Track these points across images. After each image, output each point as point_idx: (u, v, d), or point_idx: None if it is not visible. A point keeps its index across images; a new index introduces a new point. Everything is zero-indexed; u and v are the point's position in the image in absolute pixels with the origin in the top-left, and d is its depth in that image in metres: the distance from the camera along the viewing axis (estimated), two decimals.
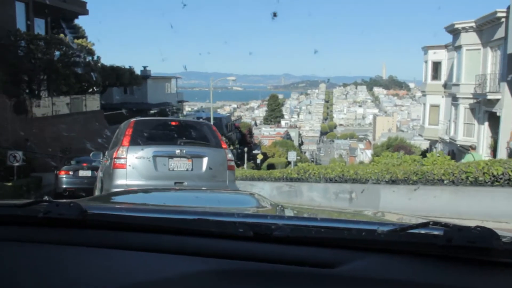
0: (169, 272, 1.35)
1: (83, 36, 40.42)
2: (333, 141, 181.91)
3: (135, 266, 1.40)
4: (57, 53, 25.49)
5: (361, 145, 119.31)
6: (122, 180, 7.13)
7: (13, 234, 1.59)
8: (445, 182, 9.66)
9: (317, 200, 12.42)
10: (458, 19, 28.38)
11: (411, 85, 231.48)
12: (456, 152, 30.09)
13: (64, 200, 1.75)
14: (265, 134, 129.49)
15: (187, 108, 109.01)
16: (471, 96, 27.47)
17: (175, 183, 7.27)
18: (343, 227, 1.60)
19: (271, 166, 62.00)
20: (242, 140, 68.43)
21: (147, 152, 7.32)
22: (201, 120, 9.76)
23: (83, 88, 27.35)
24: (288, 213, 2.38)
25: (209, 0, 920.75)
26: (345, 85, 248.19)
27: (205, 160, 7.54)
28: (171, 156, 7.38)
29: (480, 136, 27.44)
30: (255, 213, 2.34)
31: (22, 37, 22.96)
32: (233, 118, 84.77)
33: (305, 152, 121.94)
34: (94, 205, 2.23)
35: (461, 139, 28.72)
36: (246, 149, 53.94)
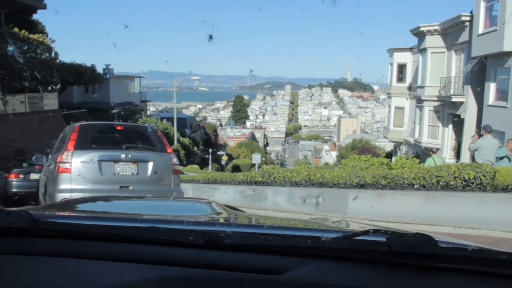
0: (122, 280, 1.36)
1: (42, 32, 38.95)
2: (298, 142, 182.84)
3: (87, 274, 1.41)
4: (10, 48, 24.25)
5: (326, 147, 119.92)
6: (66, 184, 7.11)
7: None
8: (416, 186, 9.29)
9: (282, 205, 11.88)
10: (423, 22, 28.28)
11: (375, 87, 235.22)
12: (421, 154, 30.12)
13: (15, 209, 1.76)
14: (230, 135, 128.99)
15: (151, 108, 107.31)
16: (435, 98, 27.53)
17: (121, 187, 7.32)
18: (290, 234, 1.68)
19: (236, 168, 61.49)
20: (207, 141, 67.71)
21: (92, 156, 7.30)
22: (146, 124, 9.75)
23: (39, 86, 26.05)
24: (241, 220, 2.43)
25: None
26: (310, 86, 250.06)
27: (150, 165, 7.59)
28: (116, 160, 7.39)
29: (444, 138, 27.56)
30: (206, 220, 2.36)
31: None
32: (198, 119, 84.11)
33: (270, 153, 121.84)
34: (45, 213, 2.20)
35: (426, 141, 28.78)
36: (211, 150, 53.22)
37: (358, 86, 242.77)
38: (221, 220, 2.43)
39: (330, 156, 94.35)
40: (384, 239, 1.41)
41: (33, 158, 9.15)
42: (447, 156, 27.05)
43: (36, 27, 32.82)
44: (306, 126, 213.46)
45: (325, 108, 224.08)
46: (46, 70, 25.06)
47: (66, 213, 2.49)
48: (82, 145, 7.39)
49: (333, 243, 1.48)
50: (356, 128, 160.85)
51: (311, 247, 1.49)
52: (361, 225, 2.54)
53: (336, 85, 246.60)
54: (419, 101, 29.83)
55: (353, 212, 10.14)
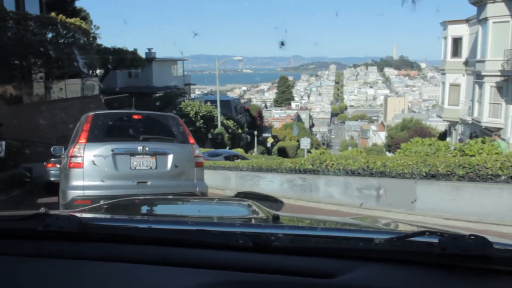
0: (172, 285, 1.38)
1: (85, 18, 38.31)
2: (344, 123, 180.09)
3: (136, 279, 1.41)
4: (50, 34, 23.42)
5: (373, 127, 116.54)
6: (78, 181, 6.56)
7: (12, 248, 1.57)
8: (503, 178, 7.52)
9: (336, 197, 10.33)
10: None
11: (423, 65, 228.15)
12: (480, 134, 27.74)
13: (64, 213, 1.96)
14: (276, 117, 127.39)
15: (197, 92, 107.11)
16: (498, 73, 25.04)
17: (138, 182, 6.73)
18: (342, 236, 1.63)
19: (282, 150, 60.15)
20: (252, 123, 66.43)
21: (106, 149, 6.67)
22: (166, 113, 8.70)
23: (78, 71, 25.18)
24: (286, 222, 2.40)
25: None
26: (355, 66, 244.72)
27: (170, 157, 6.96)
28: (133, 153, 6.78)
29: (508, 117, 25.09)
30: (254, 223, 2.29)
31: (9, 17, 20.86)
32: (242, 101, 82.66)
33: (316, 135, 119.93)
34: (93, 216, 2.26)
35: (486, 120, 26.37)
36: (256, 132, 51.89)
37: (404, 64, 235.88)
38: (270, 222, 2.32)
39: (378, 137, 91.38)
40: (437, 241, 1.39)
41: (52, 149, 8.21)
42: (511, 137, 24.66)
43: (78, 15, 32.01)
44: (351, 106, 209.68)
45: (371, 87, 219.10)
46: (84, 54, 24.10)
47: (114, 216, 2.43)
48: (96, 137, 6.75)
49: (386, 245, 1.44)
50: (404, 108, 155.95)
51: (364, 249, 1.46)
52: (413, 227, 2.32)
53: (381, 64, 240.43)
54: (479, 76, 27.30)
55: (422, 207, 8.49)
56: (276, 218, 2.33)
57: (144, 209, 3.09)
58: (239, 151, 35.45)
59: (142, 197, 4.49)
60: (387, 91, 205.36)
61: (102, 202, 5.89)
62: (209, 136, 38.71)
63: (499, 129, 25.52)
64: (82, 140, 6.66)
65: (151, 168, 6.84)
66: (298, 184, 11.38)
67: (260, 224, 2.17)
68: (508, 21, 25.16)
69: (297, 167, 11.48)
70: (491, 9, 25.79)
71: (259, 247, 1.47)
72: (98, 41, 45.41)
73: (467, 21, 32.20)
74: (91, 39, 26.82)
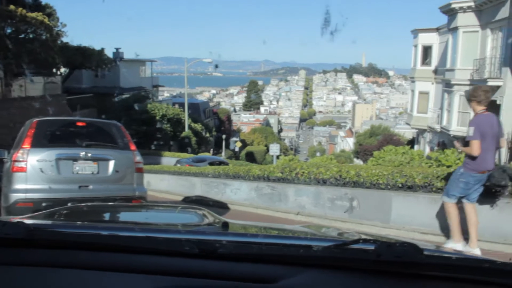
0: None
1: (50, 15, 36.86)
2: (312, 128, 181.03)
3: (84, 285, 1.42)
4: (9, 29, 22.25)
5: (341, 133, 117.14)
6: (21, 184, 6.70)
7: None
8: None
9: (307, 208, 9.72)
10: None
11: (391, 73, 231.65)
12: (448, 142, 27.76)
13: (10, 218, 1.98)
14: (244, 121, 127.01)
15: (165, 94, 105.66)
16: (467, 82, 25.01)
17: (80, 186, 7.01)
18: (283, 243, 1.68)
19: (250, 155, 59.62)
20: (220, 127, 65.68)
21: (49, 154, 6.85)
22: (109, 121, 8.75)
23: (39, 69, 23.95)
24: (235, 230, 2.41)
25: None
26: (325, 72, 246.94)
27: (111, 163, 7.24)
28: (75, 159, 6.99)
29: None
30: (200, 230, 2.31)
31: None
32: (211, 104, 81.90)
33: (284, 139, 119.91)
34: (41, 223, 2.27)
35: (455, 128, 26.34)
36: (224, 136, 51.14)
37: (373, 72, 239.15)
38: (216, 230, 2.34)
39: (346, 143, 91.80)
40: (372, 248, 1.45)
41: None
42: None
43: (43, 10, 30.63)
44: (320, 112, 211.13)
45: (339, 93, 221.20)
46: (46, 51, 22.94)
47: (62, 223, 2.46)
48: (39, 142, 6.92)
49: (324, 252, 1.50)
50: (372, 114, 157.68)
51: (303, 256, 1.51)
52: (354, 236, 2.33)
53: (350, 71, 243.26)
54: (448, 85, 27.30)
55: (398, 220, 7.96)
56: (225, 225, 2.31)
57: (93, 215, 3.08)
58: (206, 155, 34.68)
59: (91, 204, 4.39)
60: (355, 98, 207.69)
61: (44, 204, 6.31)
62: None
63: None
64: (26, 145, 6.79)
65: (93, 173, 7.08)
66: (266, 193, 10.75)
67: (206, 231, 2.20)
68: (477, 31, 25.22)
69: (265, 175, 10.85)
70: (461, 19, 25.82)
71: (205, 253, 1.50)
72: (65, 39, 43.91)
73: (437, 29, 32.34)
74: (54, 35, 25.60)
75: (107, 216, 3.15)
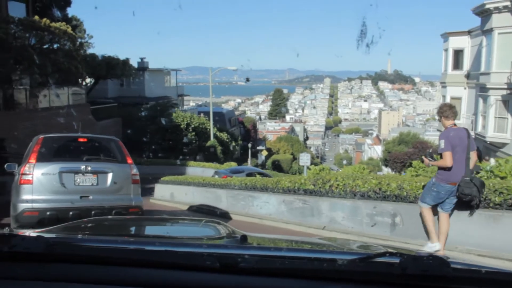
0: None
1: (76, 26, 36.80)
2: (338, 136, 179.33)
3: None
4: (33, 40, 21.90)
5: (368, 141, 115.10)
6: (28, 195, 7.30)
7: None
8: None
9: (343, 224, 8.80)
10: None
11: (417, 79, 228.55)
12: (483, 149, 26.38)
13: (29, 233, 1.93)
14: (270, 129, 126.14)
15: (191, 103, 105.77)
16: (504, 86, 23.69)
17: (81, 197, 7.56)
18: (307, 257, 1.64)
19: (276, 163, 58.63)
20: (246, 136, 64.99)
21: (53, 168, 7.47)
22: (109, 136, 9.46)
23: (64, 79, 23.55)
24: (253, 243, 2.35)
25: None
26: (350, 79, 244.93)
27: (110, 175, 7.81)
28: (77, 172, 7.57)
29: None
30: (221, 243, 2.30)
31: None
32: (237, 113, 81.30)
33: (310, 147, 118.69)
34: (60, 237, 2.24)
35: (492, 135, 24.97)
36: (250, 144, 50.34)
37: (398, 78, 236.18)
38: (236, 243, 2.25)
39: (373, 151, 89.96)
40: (398, 261, 1.43)
41: (5, 166, 8.44)
42: None
43: (69, 22, 30.42)
44: (346, 119, 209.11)
45: (365, 101, 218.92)
46: (69, 61, 22.52)
47: (82, 237, 2.37)
48: (44, 157, 7.57)
49: (349, 266, 1.48)
50: (399, 121, 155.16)
51: (327, 270, 1.48)
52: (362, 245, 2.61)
53: (376, 78, 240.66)
54: (483, 89, 25.94)
55: (450, 240, 6.98)
56: (243, 238, 2.22)
57: (112, 229, 3.04)
58: (232, 164, 33.91)
59: (110, 217, 4.54)
60: (381, 105, 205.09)
61: (48, 213, 7.15)
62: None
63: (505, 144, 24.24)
64: (32, 160, 7.46)
65: (92, 184, 7.67)
66: (297, 207, 9.86)
67: (227, 245, 2.19)
68: None
69: (296, 187, 9.98)
70: (496, 20, 24.52)
71: (226, 268, 1.48)
72: (91, 50, 44.04)
73: (468, 32, 31.00)
74: (77, 45, 25.23)
75: (126, 230, 3.09)
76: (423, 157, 7.11)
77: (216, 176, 19.70)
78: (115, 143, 8.51)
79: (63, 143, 8.32)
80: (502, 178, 7.80)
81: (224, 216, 11.59)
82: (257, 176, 20.49)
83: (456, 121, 23.93)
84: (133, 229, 3.22)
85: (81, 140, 8.32)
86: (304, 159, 23.80)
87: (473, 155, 6.52)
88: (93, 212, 7.23)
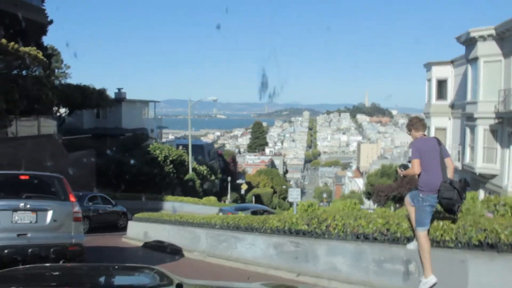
0: None
1: (51, 55, 35.35)
2: (317, 169, 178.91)
3: None
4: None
5: (348, 173, 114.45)
6: None
7: None
8: None
9: (344, 271, 7.41)
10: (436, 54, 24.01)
11: (394, 112, 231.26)
12: (472, 181, 25.42)
13: None
14: (249, 162, 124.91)
15: (170, 136, 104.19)
16: (492, 115, 22.91)
17: (18, 235, 7.35)
18: None
19: (257, 197, 57.11)
20: (225, 169, 63.55)
21: None
22: (52, 174, 8.90)
23: (33, 107, 21.94)
24: None
25: (192, 32, 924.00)
26: (328, 112, 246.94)
27: (49, 213, 7.69)
28: (15, 209, 7.43)
29: (504, 162, 22.78)
30: None
31: None
32: (216, 146, 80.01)
33: (289, 181, 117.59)
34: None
35: (481, 166, 23.99)
36: (229, 178, 48.84)
37: (376, 111, 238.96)
38: None
39: (354, 184, 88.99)
40: None
41: None
42: (510, 184, 22.30)
43: (44, 51, 28.96)
44: (325, 152, 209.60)
45: (343, 134, 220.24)
46: (39, 88, 21.03)
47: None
48: None
49: None
50: (378, 154, 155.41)
51: None
52: None
53: (354, 111, 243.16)
54: (470, 119, 25.11)
55: None
56: (179, 286, 2.24)
57: (46, 278, 2.98)
58: (211, 199, 32.42)
59: (48, 265, 4.23)
60: (359, 138, 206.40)
61: None
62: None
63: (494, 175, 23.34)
64: None
65: (31, 222, 7.48)
66: (289, 251, 8.46)
67: None
68: (500, 60, 23.24)
69: (287, 227, 8.61)
70: (482, 48, 23.91)
71: None
72: (68, 80, 42.65)
73: (451, 62, 30.50)
74: (48, 72, 23.74)
75: (60, 278, 2.99)
76: (397, 168, 7.00)
77: (221, 214, 18.29)
78: (58, 180, 8.39)
79: (2, 179, 8.21)
80: None
81: (177, 253, 11.43)
82: (264, 213, 19.22)
83: None
84: (68, 277, 3.08)
85: (22, 177, 8.22)
86: (294, 194, 21.61)
87: (449, 162, 6.35)
88: (30, 250, 7.12)
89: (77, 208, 8.12)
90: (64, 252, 7.52)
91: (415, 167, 6.24)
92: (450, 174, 6.25)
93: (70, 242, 7.77)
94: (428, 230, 6.26)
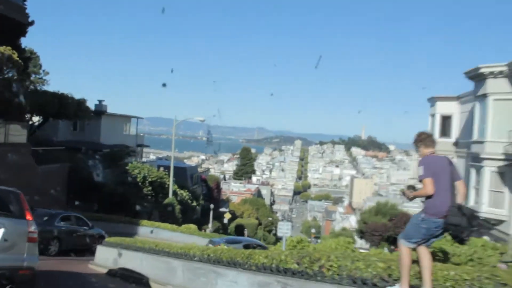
0: None
1: (29, 59, 34.81)
2: (306, 202, 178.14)
3: None
4: None
5: (340, 209, 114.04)
6: None
7: None
8: None
9: None
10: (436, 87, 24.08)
11: (391, 147, 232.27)
12: (476, 225, 25.03)
13: None
14: (234, 190, 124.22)
15: (151, 156, 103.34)
16: (501, 156, 22.73)
17: None
18: None
19: (239, 228, 56.41)
20: (208, 195, 62.84)
21: None
22: (8, 188, 8.28)
23: (2, 111, 21.26)
24: None
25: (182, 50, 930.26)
26: (322, 143, 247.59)
27: (0, 231, 7.23)
28: None
29: None
30: None
31: None
32: (200, 170, 79.31)
33: (276, 212, 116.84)
34: None
35: (487, 210, 23.70)
36: (212, 205, 48.17)
37: (372, 145, 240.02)
38: None
39: (347, 220, 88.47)
40: None
41: None
42: None
43: (22, 53, 28.46)
44: (315, 185, 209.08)
45: (336, 166, 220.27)
46: (11, 91, 20.51)
47: None
48: None
49: None
50: (373, 190, 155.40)
51: None
52: None
53: (349, 143, 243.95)
54: (476, 159, 24.95)
55: None
56: None
57: None
58: (191, 227, 31.74)
59: None
60: (353, 172, 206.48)
61: None
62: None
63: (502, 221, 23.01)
64: None
65: None
66: None
67: None
68: (511, 99, 23.24)
69: (274, 265, 8.10)
70: (492, 85, 23.92)
71: None
72: (46, 87, 41.90)
73: (457, 98, 30.52)
74: (22, 73, 23.20)
75: None
76: (405, 190, 6.75)
77: (210, 245, 17.66)
78: (14, 195, 8.00)
79: None
80: None
81: (147, 286, 11.12)
82: (257, 248, 18.73)
83: None
84: None
85: None
86: (284, 228, 20.70)
87: (460, 186, 6.11)
88: None
89: (33, 228, 7.77)
90: (12, 276, 7.16)
91: (428, 187, 5.88)
92: (460, 199, 6.02)
93: (21, 265, 7.43)
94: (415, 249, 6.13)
